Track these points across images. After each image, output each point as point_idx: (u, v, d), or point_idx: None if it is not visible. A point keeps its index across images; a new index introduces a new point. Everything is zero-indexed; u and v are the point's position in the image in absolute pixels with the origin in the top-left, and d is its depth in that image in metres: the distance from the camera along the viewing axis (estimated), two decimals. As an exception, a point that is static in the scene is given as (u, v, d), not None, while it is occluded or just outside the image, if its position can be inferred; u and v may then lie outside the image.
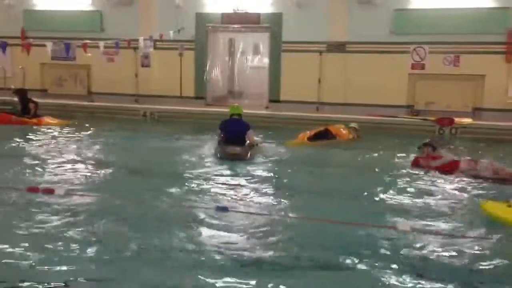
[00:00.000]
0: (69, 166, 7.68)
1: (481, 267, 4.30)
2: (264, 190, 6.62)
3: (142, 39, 12.90)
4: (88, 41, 11.91)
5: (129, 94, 14.97)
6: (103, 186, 6.62)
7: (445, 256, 4.50)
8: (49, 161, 7.97)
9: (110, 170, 7.53)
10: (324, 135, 10.13)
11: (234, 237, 4.88)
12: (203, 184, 6.81)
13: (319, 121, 11.38)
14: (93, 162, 8.00)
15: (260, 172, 7.60)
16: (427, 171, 7.51)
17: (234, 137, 8.56)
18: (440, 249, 4.62)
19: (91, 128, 11.41)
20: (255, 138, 9.02)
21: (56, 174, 7.15)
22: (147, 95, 14.82)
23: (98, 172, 7.41)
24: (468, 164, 7.41)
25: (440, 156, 7.72)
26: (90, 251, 4.47)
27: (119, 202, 5.84)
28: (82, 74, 15.64)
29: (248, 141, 8.66)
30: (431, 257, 4.46)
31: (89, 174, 7.28)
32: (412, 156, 8.32)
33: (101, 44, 11.87)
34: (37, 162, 7.85)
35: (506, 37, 12.26)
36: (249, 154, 8.33)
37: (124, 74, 14.92)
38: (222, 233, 4.97)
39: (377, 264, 4.28)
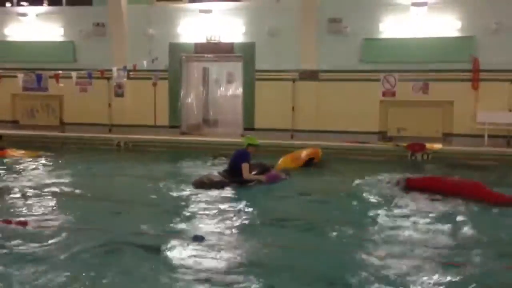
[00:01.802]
0: (41, 198, 7.51)
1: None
2: (242, 219, 6.59)
3: (116, 69, 12.90)
4: (60, 71, 11.83)
5: (102, 124, 14.86)
6: (77, 218, 6.49)
7: (419, 281, 4.53)
8: (21, 193, 7.76)
9: (84, 201, 7.41)
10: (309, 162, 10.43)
11: (211, 265, 4.84)
12: (179, 213, 6.74)
13: (294, 148, 11.45)
14: (66, 193, 7.86)
15: (238, 200, 7.56)
16: (402, 196, 7.64)
17: (231, 168, 8.45)
18: (413, 274, 4.66)
19: (63, 159, 11.23)
20: (255, 176, 8.41)
21: (28, 207, 6.98)
22: (121, 124, 14.73)
23: (71, 203, 7.27)
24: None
25: None
26: (63, 282, 4.37)
27: (93, 233, 5.74)
28: (54, 105, 15.49)
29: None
30: (404, 282, 4.49)
31: (62, 205, 7.14)
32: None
33: (74, 74, 11.80)
34: (8, 195, 7.66)
35: (471, 65, 12.70)
36: (227, 185, 8.10)
37: (97, 104, 14.84)
38: (198, 262, 4.93)
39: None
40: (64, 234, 5.70)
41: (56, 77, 11.67)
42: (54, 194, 7.78)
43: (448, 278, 4.58)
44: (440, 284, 4.46)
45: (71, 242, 5.42)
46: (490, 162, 11.13)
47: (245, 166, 8.23)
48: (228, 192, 7.95)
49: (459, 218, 6.57)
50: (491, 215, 6.81)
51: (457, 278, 4.60)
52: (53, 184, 8.49)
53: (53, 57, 14.93)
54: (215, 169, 9.30)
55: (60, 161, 10.93)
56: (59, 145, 13.49)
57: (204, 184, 8.11)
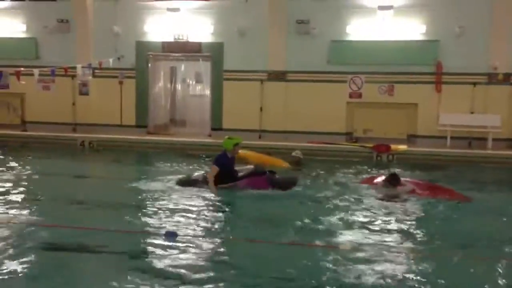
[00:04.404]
0: (5, 198, 7.28)
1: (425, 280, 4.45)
2: (211, 216, 6.60)
3: (80, 66, 12.60)
4: (22, 68, 11.46)
5: (66, 123, 14.52)
6: (44, 217, 6.34)
7: (380, 271, 4.62)
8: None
9: (47, 201, 7.24)
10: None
11: (183, 261, 4.80)
12: (149, 211, 6.67)
13: (262, 149, 11.47)
14: (31, 193, 7.66)
15: (207, 198, 7.50)
16: (369, 194, 7.76)
17: None
18: (377, 265, 4.77)
19: (25, 159, 10.88)
20: (211, 180, 7.84)
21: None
22: (86, 123, 14.42)
23: (37, 202, 7.10)
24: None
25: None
26: (31, 279, 4.33)
27: (62, 231, 5.66)
28: (15, 103, 15.05)
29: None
30: (370, 274, 4.57)
31: (28, 205, 6.94)
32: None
33: (36, 71, 11.46)
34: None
35: (435, 68, 12.99)
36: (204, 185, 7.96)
37: (61, 102, 14.50)
38: (171, 258, 4.90)
39: (321, 282, 4.34)
40: (28, 232, 5.58)
41: (17, 74, 11.30)
42: (19, 194, 7.55)
43: (408, 268, 4.75)
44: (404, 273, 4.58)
45: (35, 240, 5.32)
46: (452, 163, 11.40)
47: (212, 169, 7.95)
48: (203, 192, 7.82)
49: (421, 214, 6.84)
50: (448, 211, 7.06)
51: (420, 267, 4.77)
52: (16, 184, 8.23)
53: (15, 54, 14.54)
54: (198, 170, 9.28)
55: (21, 161, 10.58)
56: (21, 144, 13.11)
57: (183, 182, 8.13)
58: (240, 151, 8.51)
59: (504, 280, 4.55)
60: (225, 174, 7.90)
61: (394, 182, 7.88)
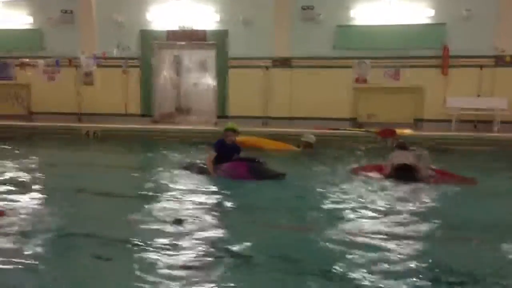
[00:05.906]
0: (14, 188, 7.31)
1: (430, 267, 4.42)
2: (218, 203, 6.58)
3: (84, 57, 12.62)
4: (27, 59, 11.51)
5: (71, 113, 14.58)
6: (52, 207, 6.34)
7: (391, 257, 4.60)
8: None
9: (56, 191, 7.24)
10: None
11: (191, 248, 4.81)
12: (156, 199, 6.68)
13: (268, 136, 11.45)
14: (38, 183, 7.65)
15: (212, 186, 7.51)
16: (374, 179, 7.72)
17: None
18: (385, 251, 4.74)
19: (31, 149, 10.94)
20: (209, 164, 7.98)
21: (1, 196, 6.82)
22: (91, 113, 14.47)
23: (46, 193, 7.10)
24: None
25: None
26: (41, 270, 4.30)
27: (71, 221, 5.65)
28: (21, 94, 15.10)
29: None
30: (377, 259, 4.55)
31: (36, 195, 6.94)
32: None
33: (41, 62, 11.50)
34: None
35: (442, 51, 12.86)
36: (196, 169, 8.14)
37: (66, 92, 14.53)
38: (179, 245, 4.88)
39: (328, 268, 4.34)
40: (36, 222, 5.59)
41: (22, 65, 11.37)
42: (27, 185, 7.54)
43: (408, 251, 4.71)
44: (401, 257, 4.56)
45: (43, 229, 5.31)
46: (458, 146, 11.32)
47: (210, 153, 8.06)
48: (208, 179, 7.84)
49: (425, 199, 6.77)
50: (453, 194, 7.03)
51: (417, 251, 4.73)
52: (24, 174, 8.25)
53: (21, 45, 14.55)
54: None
55: (28, 152, 10.63)
56: (26, 135, 13.18)
57: (187, 168, 8.25)
58: (254, 138, 8.50)
59: (507, 264, 4.51)
60: (219, 160, 7.91)
61: (402, 145, 8.01)
